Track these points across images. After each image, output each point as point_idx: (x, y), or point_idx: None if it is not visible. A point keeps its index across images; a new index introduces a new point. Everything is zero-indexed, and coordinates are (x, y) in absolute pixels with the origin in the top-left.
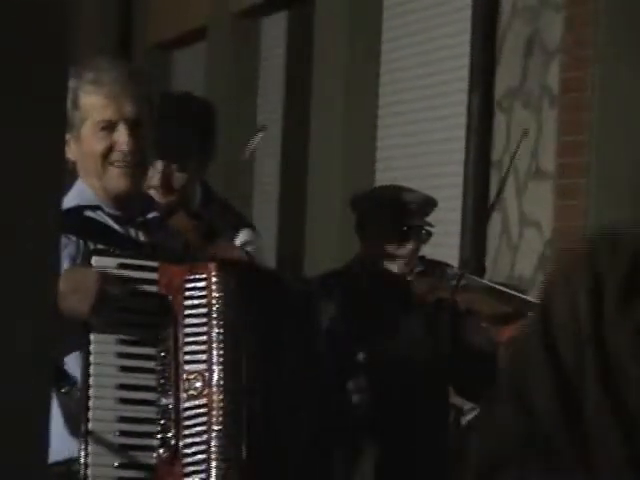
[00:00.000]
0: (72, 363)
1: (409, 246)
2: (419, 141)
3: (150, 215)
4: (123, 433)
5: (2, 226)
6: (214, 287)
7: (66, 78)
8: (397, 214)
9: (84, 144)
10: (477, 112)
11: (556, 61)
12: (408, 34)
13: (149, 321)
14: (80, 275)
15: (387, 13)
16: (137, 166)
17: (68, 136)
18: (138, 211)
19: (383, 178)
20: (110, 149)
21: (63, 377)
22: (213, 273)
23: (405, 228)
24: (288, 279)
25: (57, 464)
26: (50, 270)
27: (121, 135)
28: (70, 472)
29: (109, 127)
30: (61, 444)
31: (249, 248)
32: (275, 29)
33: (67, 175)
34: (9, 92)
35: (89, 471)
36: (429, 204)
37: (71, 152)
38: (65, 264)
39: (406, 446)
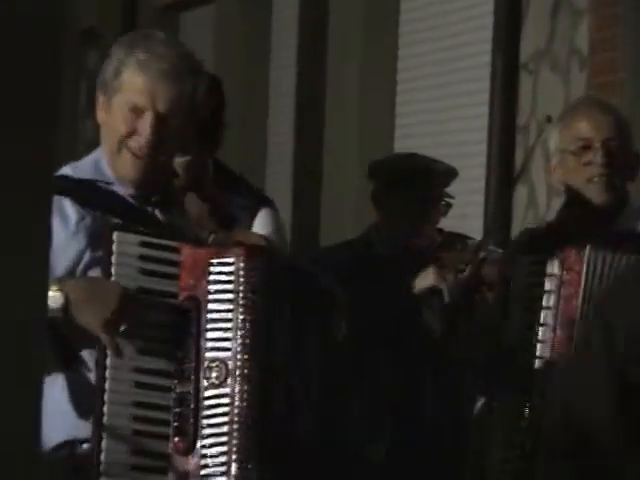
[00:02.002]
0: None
1: (427, 217)
2: (440, 107)
3: (164, 193)
4: (137, 418)
5: None
6: (241, 272)
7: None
8: (415, 184)
9: (111, 116)
10: (502, 75)
11: (585, 20)
12: None
13: (167, 336)
14: (99, 286)
15: None
16: (152, 158)
17: (102, 97)
18: (154, 188)
19: (402, 146)
20: (131, 134)
21: (72, 355)
22: (241, 258)
23: (423, 198)
24: (313, 267)
25: (60, 446)
26: (41, 239)
27: (145, 124)
28: (74, 454)
29: (137, 112)
30: (65, 423)
31: (269, 231)
32: None
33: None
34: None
35: (102, 456)
36: (449, 174)
37: (100, 115)
38: (82, 239)
39: (425, 432)
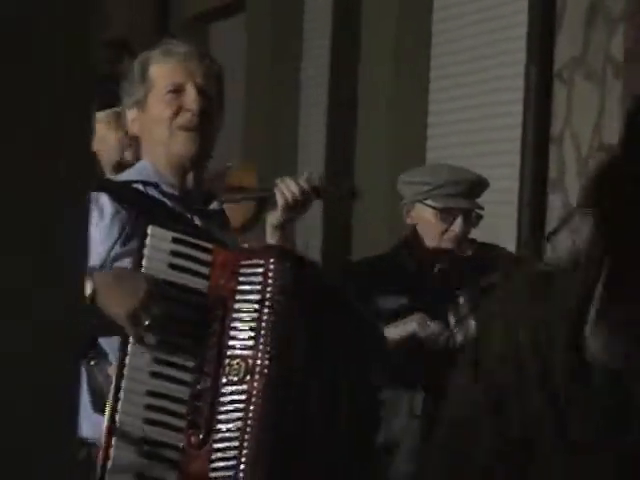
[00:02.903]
0: (104, 340)
1: (456, 229)
2: (472, 117)
3: (211, 206)
4: (151, 407)
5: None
6: (270, 274)
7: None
8: (445, 194)
9: (150, 112)
10: (535, 84)
11: (620, 29)
12: (461, 2)
13: (190, 331)
14: (128, 275)
15: None
16: (204, 131)
17: (132, 112)
18: (198, 199)
19: (434, 156)
20: (177, 112)
21: (93, 348)
22: (272, 260)
23: (454, 209)
24: (341, 279)
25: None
26: (80, 241)
27: (189, 95)
28: (90, 454)
29: (178, 90)
30: (82, 417)
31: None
32: None
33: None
34: (33, 86)
35: (112, 444)
36: (480, 185)
37: (135, 127)
38: (115, 231)
39: None
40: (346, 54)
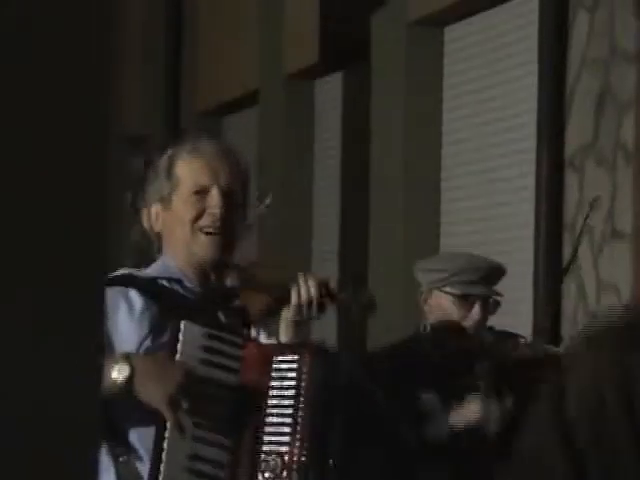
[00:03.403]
0: (134, 435)
1: (476, 316)
2: (486, 204)
3: (234, 304)
4: None
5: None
6: (305, 369)
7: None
8: (463, 281)
9: (174, 211)
10: (547, 171)
11: (630, 115)
12: (470, 92)
13: (225, 426)
14: (164, 361)
15: (447, 70)
16: (227, 235)
17: (157, 207)
18: (220, 295)
19: (448, 243)
20: (201, 215)
21: (122, 445)
22: (307, 356)
23: (472, 296)
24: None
25: None
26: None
27: (213, 199)
28: None
29: (202, 192)
30: None
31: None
32: (330, 91)
33: (155, 250)
34: (50, 149)
35: None
36: (497, 271)
37: (158, 224)
38: (146, 326)
39: None
40: (357, 155)
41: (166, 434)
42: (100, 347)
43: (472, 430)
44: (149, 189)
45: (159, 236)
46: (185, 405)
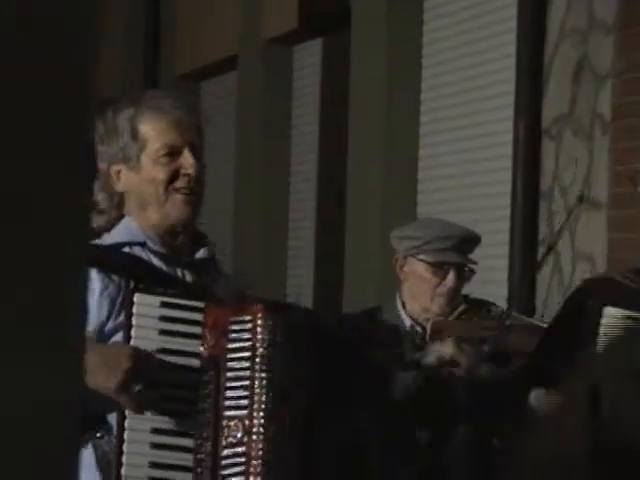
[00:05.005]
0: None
1: (449, 284)
2: (462, 172)
3: (199, 255)
4: None
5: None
6: (259, 329)
7: (93, 113)
8: (438, 249)
9: (143, 172)
10: (524, 141)
11: (607, 85)
12: (450, 60)
13: (187, 396)
14: (112, 350)
15: (427, 38)
16: (199, 195)
17: (118, 167)
18: (187, 250)
19: (425, 211)
20: (174, 175)
21: (100, 422)
22: (259, 315)
23: (446, 264)
24: (335, 322)
25: None
26: (78, 307)
27: (187, 160)
28: None
29: (173, 153)
30: None
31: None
32: (310, 57)
33: (114, 210)
34: (33, 127)
35: None
36: (472, 239)
37: (121, 184)
38: (105, 308)
39: None
40: (334, 118)
41: (126, 413)
42: (82, 339)
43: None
44: (107, 149)
45: (121, 196)
46: (138, 388)
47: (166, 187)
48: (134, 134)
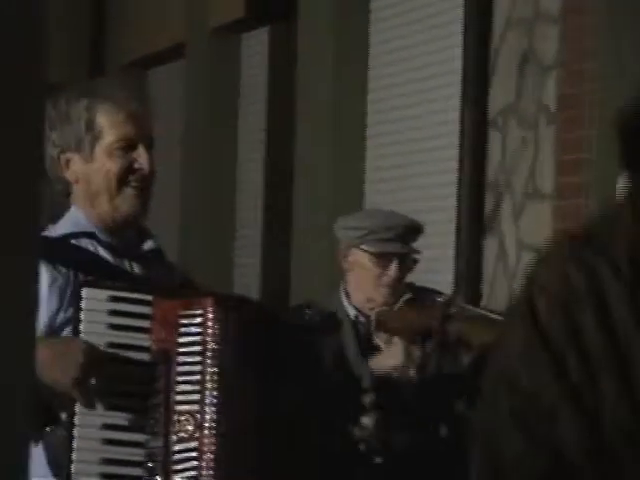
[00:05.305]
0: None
1: (392, 274)
2: (409, 161)
3: (146, 246)
4: (107, 476)
5: None
6: (210, 323)
7: (44, 99)
8: (381, 239)
9: (96, 163)
10: (470, 130)
11: (552, 76)
12: (397, 49)
13: (138, 390)
14: (64, 345)
15: (374, 26)
16: (150, 190)
17: (69, 155)
18: (134, 242)
19: (371, 201)
20: (127, 168)
21: (49, 415)
22: (209, 309)
23: (389, 254)
24: (287, 314)
25: None
26: (29, 299)
27: (142, 155)
28: None
29: (128, 146)
30: None
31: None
32: (257, 46)
33: (61, 198)
34: None
35: None
36: (415, 229)
37: (70, 172)
38: (54, 301)
39: None
40: (283, 101)
41: (76, 409)
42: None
43: (391, 377)
44: (59, 136)
45: (69, 185)
46: (92, 382)
47: (118, 180)
48: (89, 124)
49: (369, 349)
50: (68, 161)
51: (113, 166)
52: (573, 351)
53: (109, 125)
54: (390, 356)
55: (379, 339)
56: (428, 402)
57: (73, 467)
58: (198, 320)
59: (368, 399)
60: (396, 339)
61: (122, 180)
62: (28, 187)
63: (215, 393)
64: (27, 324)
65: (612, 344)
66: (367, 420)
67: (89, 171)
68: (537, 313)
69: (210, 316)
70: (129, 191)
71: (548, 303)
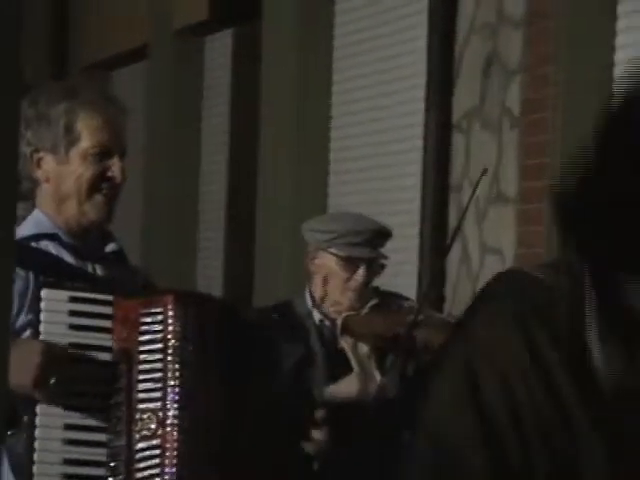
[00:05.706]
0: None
1: (359, 278)
2: (373, 165)
3: (108, 249)
4: (69, 477)
5: None
6: (170, 321)
7: (18, 97)
8: (349, 243)
9: (70, 166)
10: (434, 134)
11: (516, 80)
12: (361, 52)
13: (100, 390)
14: (24, 347)
15: (338, 30)
16: (117, 198)
17: (42, 155)
18: (96, 245)
19: (335, 204)
20: (100, 176)
21: (11, 418)
22: (169, 306)
23: (357, 258)
24: (247, 311)
25: None
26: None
27: (116, 164)
28: None
29: (103, 153)
30: None
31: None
32: (220, 48)
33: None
34: None
35: None
36: (383, 234)
37: (41, 172)
38: (14, 302)
39: None
40: (246, 104)
41: (37, 410)
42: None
43: (349, 404)
44: (34, 135)
45: (37, 183)
46: (52, 381)
47: (90, 185)
48: (68, 127)
49: (334, 354)
50: (40, 160)
51: (86, 171)
52: (513, 431)
53: (87, 130)
54: (348, 384)
55: (345, 343)
56: (381, 424)
57: (35, 468)
58: (159, 318)
59: (320, 414)
60: (357, 369)
61: (93, 186)
62: (4, 188)
63: (177, 390)
64: (1, 328)
65: (556, 412)
66: (318, 434)
67: (61, 172)
68: (478, 384)
69: (170, 313)
70: (99, 198)
71: (490, 372)
